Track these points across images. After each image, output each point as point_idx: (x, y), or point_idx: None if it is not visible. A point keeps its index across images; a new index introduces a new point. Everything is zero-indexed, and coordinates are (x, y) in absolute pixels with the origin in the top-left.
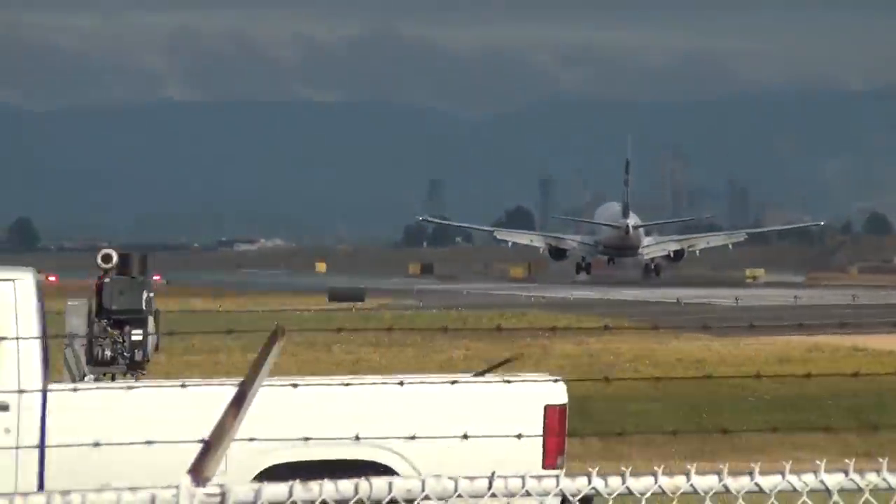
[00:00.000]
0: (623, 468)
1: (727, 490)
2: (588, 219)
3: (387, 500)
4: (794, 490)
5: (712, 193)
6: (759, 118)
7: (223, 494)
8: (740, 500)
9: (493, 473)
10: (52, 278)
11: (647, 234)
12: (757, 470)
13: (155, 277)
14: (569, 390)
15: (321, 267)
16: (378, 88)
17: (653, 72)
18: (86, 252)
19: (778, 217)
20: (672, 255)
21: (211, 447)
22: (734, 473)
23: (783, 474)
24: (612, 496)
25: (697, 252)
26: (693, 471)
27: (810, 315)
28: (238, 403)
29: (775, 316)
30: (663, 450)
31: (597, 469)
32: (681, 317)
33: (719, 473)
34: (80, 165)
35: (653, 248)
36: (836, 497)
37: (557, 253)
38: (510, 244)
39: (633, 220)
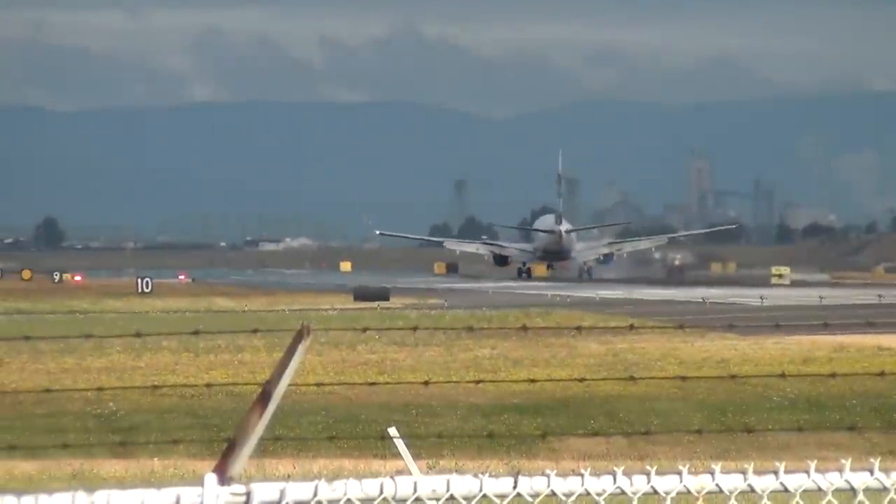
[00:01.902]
0: (649, 467)
1: (752, 489)
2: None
3: (412, 499)
4: (820, 489)
5: (738, 194)
6: (783, 118)
7: (248, 493)
8: (765, 500)
9: (517, 473)
10: (77, 278)
11: (582, 238)
12: (782, 469)
13: (180, 277)
14: (594, 389)
15: (346, 266)
16: (403, 89)
17: (677, 72)
18: (111, 251)
19: (802, 217)
20: (602, 257)
21: (236, 446)
22: (759, 473)
23: (808, 473)
24: (638, 495)
25: (625, 255)
26: (718, 470)
27: (835, 315)
28: (263, 402)
29: (800, 315)
30: (689, 449)
31: (622, 468)
32: (706, 316)
33: (744, 473)
34: (105, 165)
35: (585, 252)
36: (861, 496)
37: (500, 259)
38: (458, 252)
39: (565, 226)
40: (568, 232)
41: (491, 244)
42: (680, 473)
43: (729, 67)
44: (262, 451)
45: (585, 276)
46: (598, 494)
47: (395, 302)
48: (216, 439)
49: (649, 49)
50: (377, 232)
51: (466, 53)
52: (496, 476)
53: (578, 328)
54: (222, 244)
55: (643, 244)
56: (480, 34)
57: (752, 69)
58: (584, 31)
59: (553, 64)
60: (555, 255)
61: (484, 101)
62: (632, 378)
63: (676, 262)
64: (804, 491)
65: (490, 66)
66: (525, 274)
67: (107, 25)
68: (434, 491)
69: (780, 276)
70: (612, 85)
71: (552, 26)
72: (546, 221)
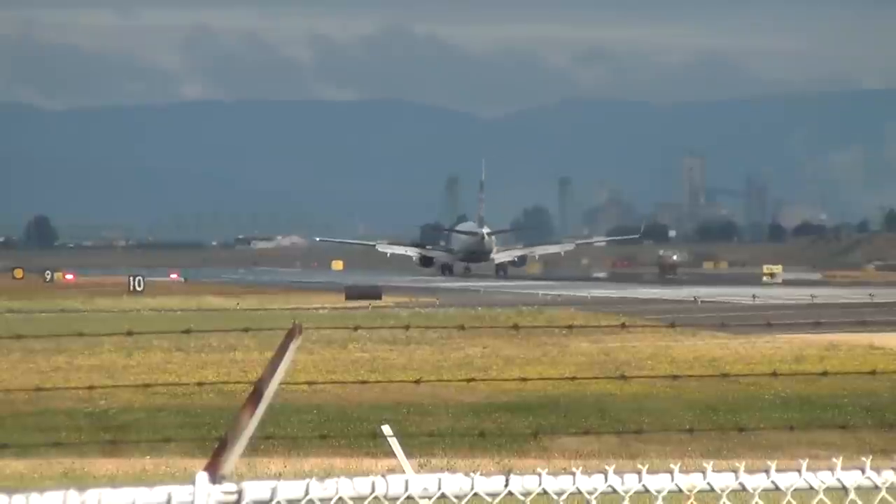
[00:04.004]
0: (640, 466)
1: (744, 488)
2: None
3: (403, 498)
4: (811, 488)
5: (729, 192)
6: (774, 117)
7: (239, 492)
8: (757, 499)
9: (508, 472)
10: (69, 276)
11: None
12: (773, 468)
13: (172, 275)
14: (586, 388)
15: (338, 265)
16: (393, 87)
17: (667, 71)
18: (103, 250)
19: (794, 215)
20: (517, 259)
21: (227, 444)
22: (750, 471)
23: (800, 472)
24: (629, 494)
25: (537, 257)
26: (710, 469)
27: (827, 313)
28: (255, 401)
29: (792, 314)
30: (680, 448)
31: (613, 467)
32: (698, 315)
33: (736, 471)
34: (96, 164)
35: (502, 254)
36: (852, 495)
37: (425, 261)
38: (389, 255)
39: (485, 230)
40: (489, 234)
41: (418, 247)
42: (671, 472)
43: (719, 66)
44: (254, 449)
45: (501, 273)
46: (590, 493)
47: (387, 301)
48: (208, 438)
49: (639, 47)
50: (317, 239)
51: (456, 52)
52: (487, 475)
53: (570, 327)
54: (213, 243)
55: (552, 249)
56: (470, 33)
57: (742, 68)
58: (574, 30)
59: (543, 63)
60: (475, 256)
61: (474, 100)
62: (623, 377)
63: (673, 259)
64: (795, 490)
65: (480, 65)
66: (448, 271)
67: (97, 24)
68: (425, 490)
69: (772, 274)
70: (602, 83)
71: (542, 25)
72: (468, 226)
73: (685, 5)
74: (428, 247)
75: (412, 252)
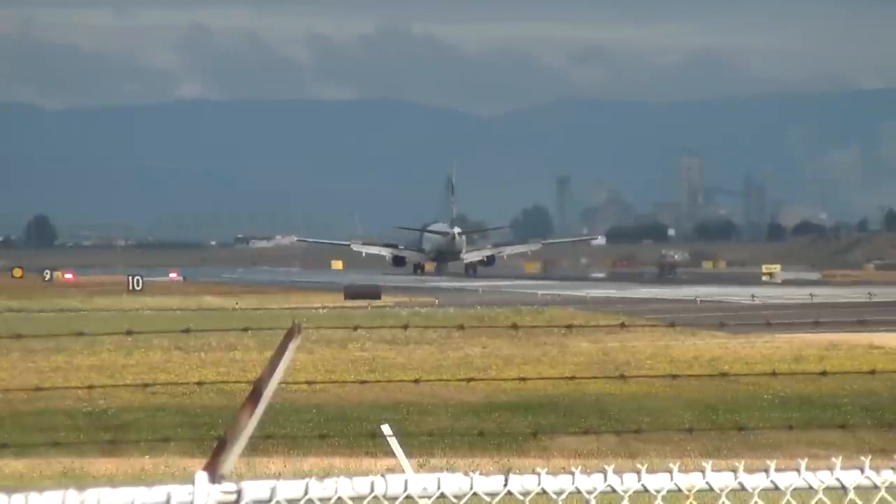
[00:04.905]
0: (639, 465)
1: (743, 488)
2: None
3: (402, 497)
4: (810, 488)
5: (728, 191)
6: (772, 116)
7: (239, 491)
8: (756, 498)
9: (508, 471)
10: (68, 276)
11: (469, 242)
12: (773, 467)
13: (171, 275)
14: (585, 387)
15: (337, 265)
16: (391, 86)
17: (664, 70)
18: (102, 249)
19: (793, 214)
20: (486, 259)
21: (226, 444)
22: (750, 471)
23: (799, 472)
24: (628, 494)
25: (505, 257)
26: (709, 468)
27: (826, 313)
28: (254, 400)
29: (791, 314)
30: (679, 447)
31: (612, 466)
32: (697, 314)
33: (735, 471)
34: (95, 163)
35: (471, 254)
36: (851, 495)
37: (398, 260)
38: (363, 254)
39: (456, 230)
40: (459, 234)
41: (391, 247)
42: (670, 472)
43: (716, 65)
44: (253, 449)
45: (471, 272)
46: (589, 493)
47: (387, 300)
48: (207, 437)
49: (637, 47)
50: (295, 238)
51: (454, 51)
52: (487, 474)
53: (569, 326)
54: (212, 242)
55: (520, 248)
56: (468, 32)
57: (740, 67)
58: (571, 29)
59: (540, 62)
60: (445, 255)
61: (472, 99)
62: (622, 376)
63: (674, 258)
64: (795, 489)
65: (477, 64)
66: (420, 271)
67: (95, 23)
68: (425, 489)
69: (771, 274)
70: (600, 83)
71: (539, 24)
72: (439, 226)
73: (682, 4)
74: (400, 246)
75: (385, 252)
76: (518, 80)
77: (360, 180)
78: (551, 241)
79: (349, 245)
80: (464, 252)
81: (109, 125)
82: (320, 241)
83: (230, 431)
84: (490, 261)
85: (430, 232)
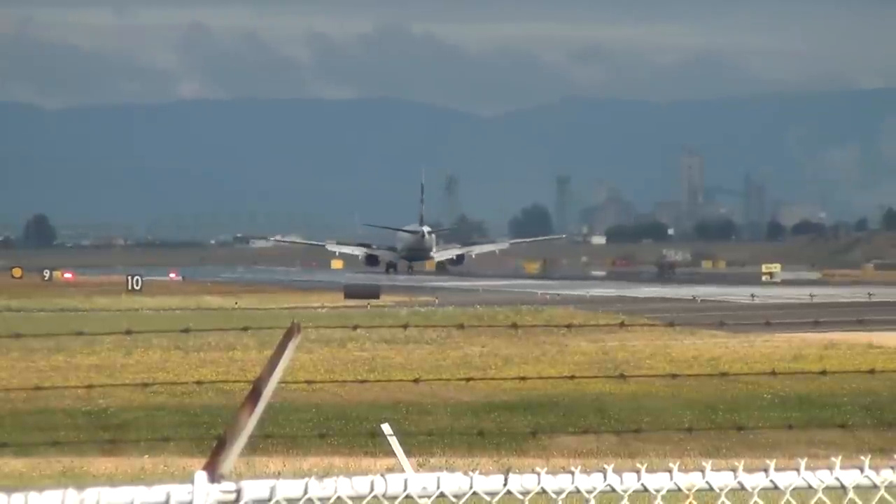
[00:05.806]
0: (639, 465)
1: (742, 487)
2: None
3: (402, 497)
4: (810, 487)
5: (728, 191)
6: (771, 116)
7: (238, 491)
8: (755, 497)
9: (507, 470)
10: (67, 275)
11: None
12: (772, 467)
13: (171, 274)
14: (585, 387)
15: (337, 264)
16: (391, 86)
17: (665, 70)
18: (102, 249)
19: (793, 214)
20: (455, 258)
21: (226, 443)
22: (749, 470)
23: (798, 471)
24: (628, 493)
25: (474, 255)
26: (708, 468)
27: (826, 312)
28: (253, 400)
29: (791, 313)
30: (679, 447)
31: (612, 466)
32: (697, 314)
33: (735, 470)
34: (95, 163)
35: (442, 252)
36: (851, 494)
37: (371, 259)
38: (337, 253)
39: (426, 229)
40: (429, 233)
41: (364, 246)
42: (670, 471)
43: (716, 65)
44: (253, 448)
45: (442, 270)
46: (589, 492)
47: (386, 300)
48: (206, 437)
49: (637, 46)
50: (276, 237)
51: (454, 51)
52: (486, 474)
53: (569, 326)
54: (212, 242)
55: (488, 247)
56: (468, 32)
57: (740, 67)
58: (571, 29)
59: (540, 61)
60: (416, 254)
61: (472, 99)
62: (622, 376)
63: (674, 258)
64: (794, 489)
65: (477, 64)
66: (392, 269)
67: (95, 23)
68: (424, 489)
69: (771, 274)
70: (600, 82)
71: (539, 24)
72: (410, 228)
73: (682, 4)
74: (374, 246)
75: (358, 251)
76: (518, 79)
77: (360, 180)
78: (517, 240)
79: (324, 245)
80: (434, 251)
81: (109, 125)
82: (297, 241)
83: (229, 431)
84: (459, 259)
85: (402, 231)
